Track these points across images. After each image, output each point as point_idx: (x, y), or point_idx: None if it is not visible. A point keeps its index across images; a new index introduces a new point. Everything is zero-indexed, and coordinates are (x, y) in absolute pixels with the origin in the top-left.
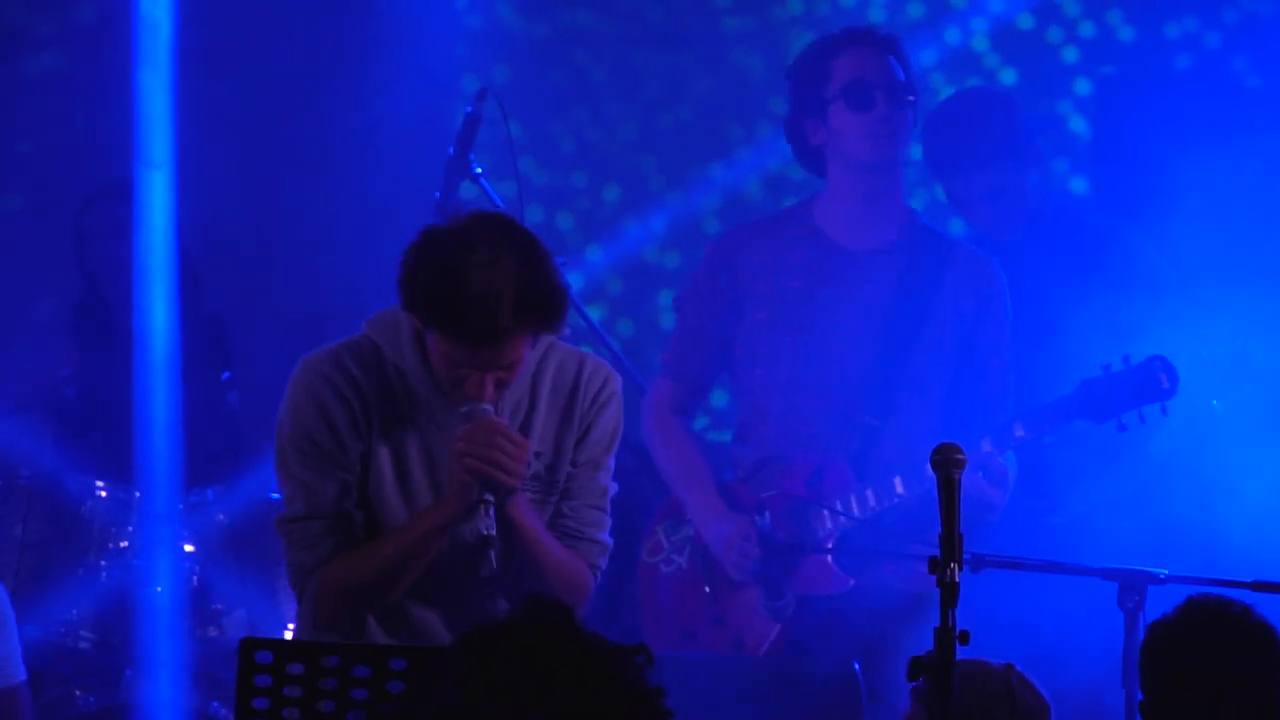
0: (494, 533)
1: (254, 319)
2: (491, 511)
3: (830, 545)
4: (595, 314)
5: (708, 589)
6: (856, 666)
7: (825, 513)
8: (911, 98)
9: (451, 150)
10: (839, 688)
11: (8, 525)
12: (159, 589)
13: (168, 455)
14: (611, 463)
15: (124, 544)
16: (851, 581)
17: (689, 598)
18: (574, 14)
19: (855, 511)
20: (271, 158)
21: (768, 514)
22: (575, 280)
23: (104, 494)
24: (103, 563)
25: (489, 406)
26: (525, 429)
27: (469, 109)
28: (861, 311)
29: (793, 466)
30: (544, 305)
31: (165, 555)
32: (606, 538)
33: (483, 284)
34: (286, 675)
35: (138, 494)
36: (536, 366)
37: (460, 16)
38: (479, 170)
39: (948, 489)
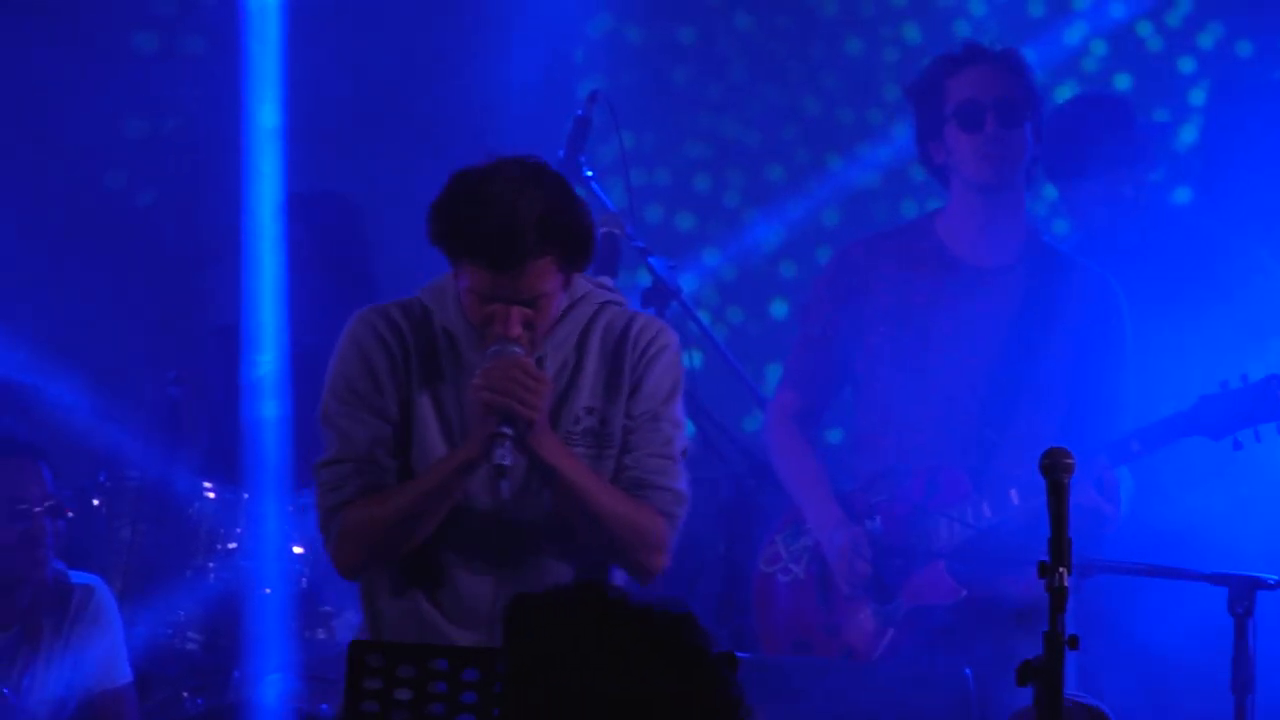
0: (507, 463)
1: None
2: (508, 445)
3: (944, 555)
4: (706, 317)
5: (822, 598)
6: (968, 672)
7: (941, 522)
8: (1028, 115)
9: (561, 153)
10: (951, 695)
11: (116, 527)
12: (267, 591)
13: (276, 457)
14: (676, 414)
15: (232, 546)
16: (964, 592)
17: (803, 606)
18: (701, 16)
19: (971, 521)
20: (378, 151)
21: (879, 518)
22: (689, 282)
23: (212, 495)
24: (211, 564)
25: (517, 348)
26: (572, 385)
27: (579, 111)
28: (983, 326)
29: (910, 476)
30: (566, 231)
31: (274, 557)
32: (678, 485)
33: (504, 206)
34: (396, 678)
35: (246, 496)
36: (585, 326)
37: (578, 18)
38: (589, 173)
39: (1057, 493)
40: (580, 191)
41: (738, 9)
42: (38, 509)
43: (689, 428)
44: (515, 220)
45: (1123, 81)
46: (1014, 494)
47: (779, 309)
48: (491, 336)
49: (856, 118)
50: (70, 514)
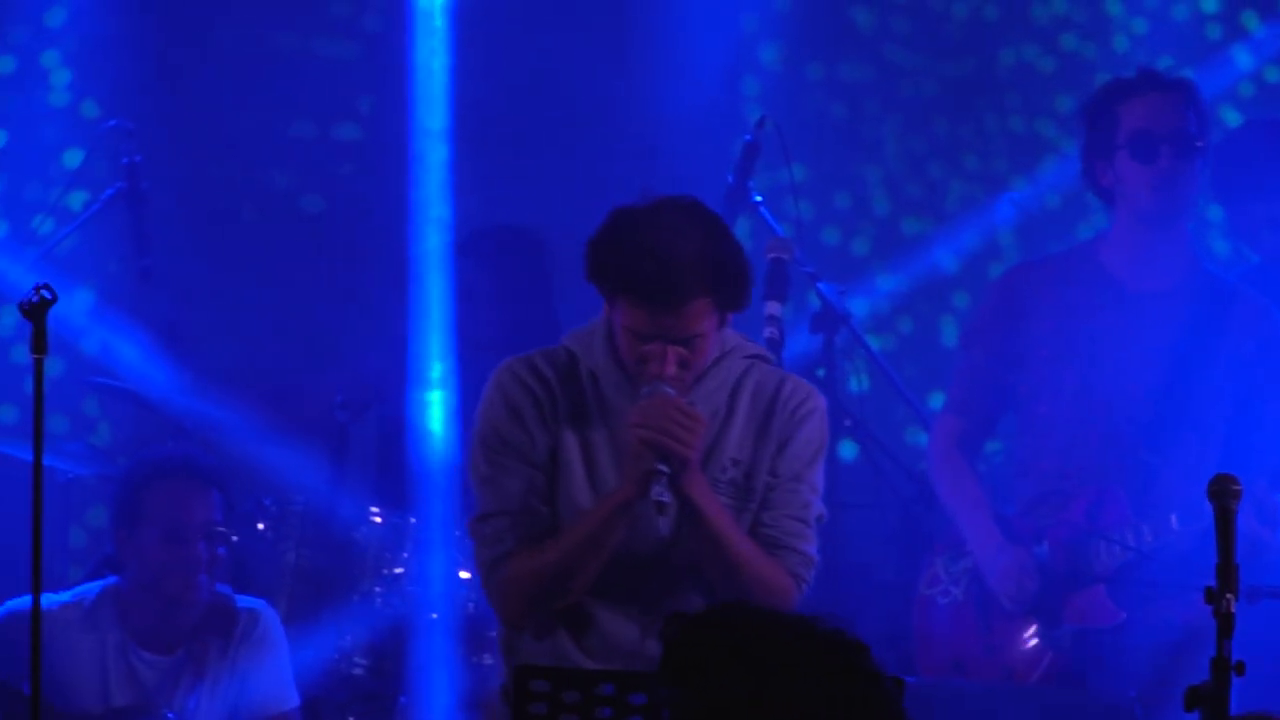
0: (666, 499)
1: (526, 335)
2: (665, 482)
3: (1106, 578)
4: (876, 342)
5: (981, 619)
6: (1133, 695)
7: (1101, 545)
8: (1201, 148)
9: (730, 178)
10: (1115, 718)
11: (281, 551)
12: (434, 616)
13: (444, 481)
14: (816, 479)
15: (398, 570)
16: (1124, 615)
17: (962, 628)
18: (868, 41)
19: (1131, 544)
20: (544, 167)
21: (1045, 544)
22: (860, 307)
23: (379, 520)
24: (377, 589)
25: (670, 389)
26: (721, 436)
27: (748, 137)
28: (1145, 351)
29: (1071, 500)
30: (724, 273)
31: (440, 582)
32: (809, 550)
33: (664, 246)
34: (562, 703)
35: (413, 520)
36: (737, 380)
37: (751, 45)
38: (758, 199)
39: (1224, 519)
40: (748, 217)
41: (897, 31)
42: (198, 534)
43: (851, 450)
44: (675, 261)
45: None
46: (1174, 519)
47: (949, 335)
48: (647, 376)
49: (1026, 128)
50: (235, 538)
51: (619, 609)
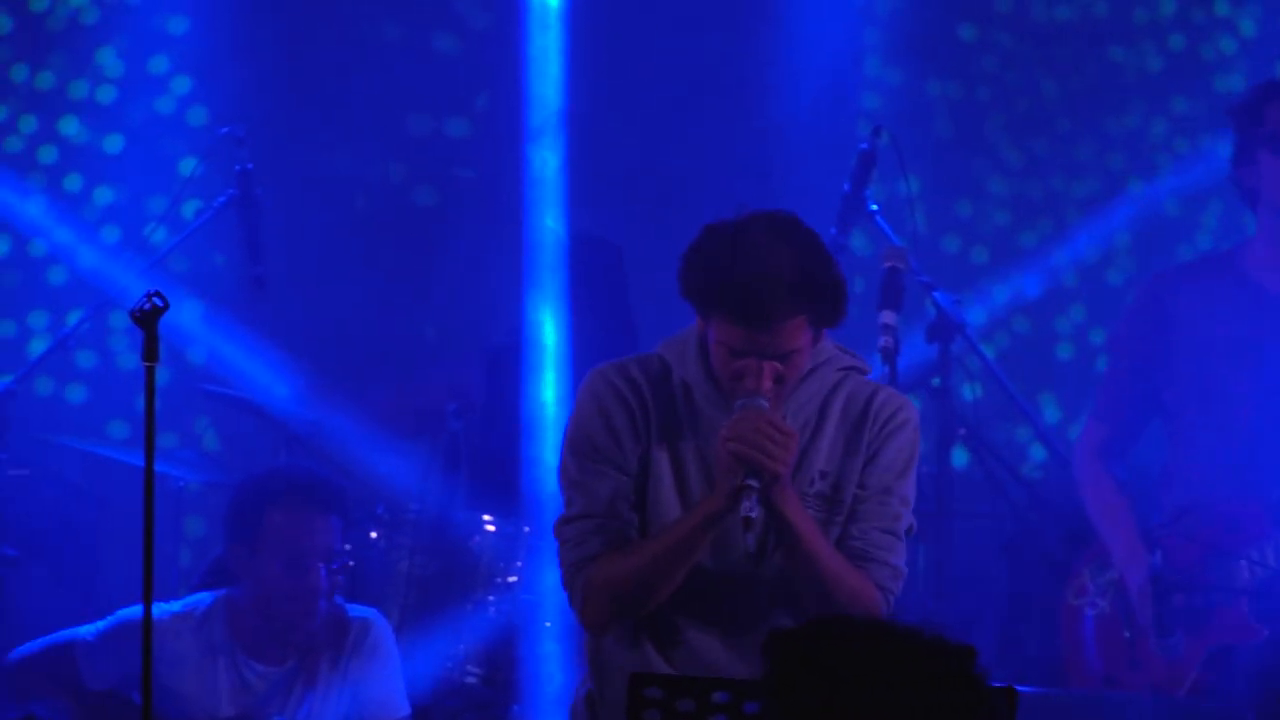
0: (754, 515)
1: (636, 340)
2: (754, 497)
3: (1247, 593)
4: (991, 351)
5: (1127, 633)
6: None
7: (1241, 561)
8: None
9: (846, 187)
10: None
11: (394, 560)
12: (548, 624)
13: (557, 489)
14: (906, 491)
15: (512, 579)
16: (1265, 631)
17: (1110, 641)
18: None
19: (1271, 562)
20: (657, 173)
21: (1158, 553)
22: (977, 316)
23: (492, 528)
24: (491, 597)
25: (764, 402)
26: (811, 448)
27: (863, 145)
28: None
29: (1212, 513)
30: (820, 289)
31: (554, 590)
32: (898, 562)
33: (759, 263)
34: (676, 711)
35: (526, 529)
36: (829, 392)
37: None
38: (874, 207)
39: None
40: (864, 226)
41: (1003, 40)
42: (318, 561)
43: (965, 459)
44: (770, 279)
45: None
46: None
47: (1064, 347)
48: (741, 390)
49: (1141, 124)
50: (351, 565)
51: (705, 625)
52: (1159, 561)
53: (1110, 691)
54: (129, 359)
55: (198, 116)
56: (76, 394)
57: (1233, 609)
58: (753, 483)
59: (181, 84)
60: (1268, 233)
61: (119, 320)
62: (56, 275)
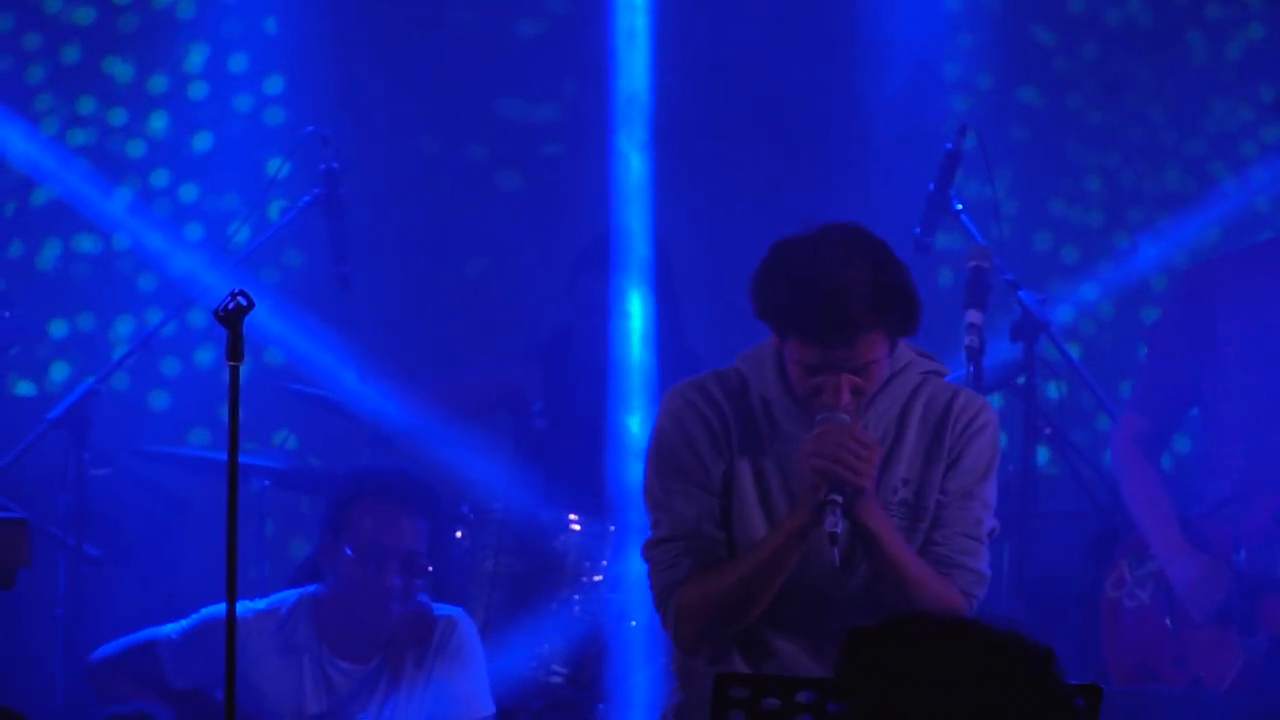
0: (839, 529)
1: (720, 344)
2: (839, 512)
3: None
4: (1076, 350)
5: (1169, 624)
6: None
7: None
8: None
9: (932, 186)
10: None
11: (480, 559)
12: (633, 624)
13: (642, 489)
14: (988, 494)
15: (597, 578)
16: None
17: (1150, 634)
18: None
19: None
20: (743, 172)
21: (1243, 550)
22: (1065, 314)
23: (577, 527)
24: (576, 597)
25: (844, 416)
26: (892, 456)
27: (949, 144)
28: None
29: (1258, 502)
30: (895, 303)
31: (639, 589)
32: (981, 567)
33: (834, 279)
34: (761, 711)
35: (612, 528)
36: (908, 398)
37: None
38: (959, 206)
39: None
40: (950, 225)
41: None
42: (395, 561)
43: (1049, 458)
44: (845, 297)
45: None
46: None
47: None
48: (820, 405)
49: (1229, 111)
50: (430, 569)
51: (794, 638)
52: (1244, 559)
53: (1200, 690)
54: (208, 359)
55: (284, 116)
56: (159, 398)
57: (1275, 602)
58: (836, 498)
59: (274, 84)
60: None
61: (201, 319)
62: (140, 274)
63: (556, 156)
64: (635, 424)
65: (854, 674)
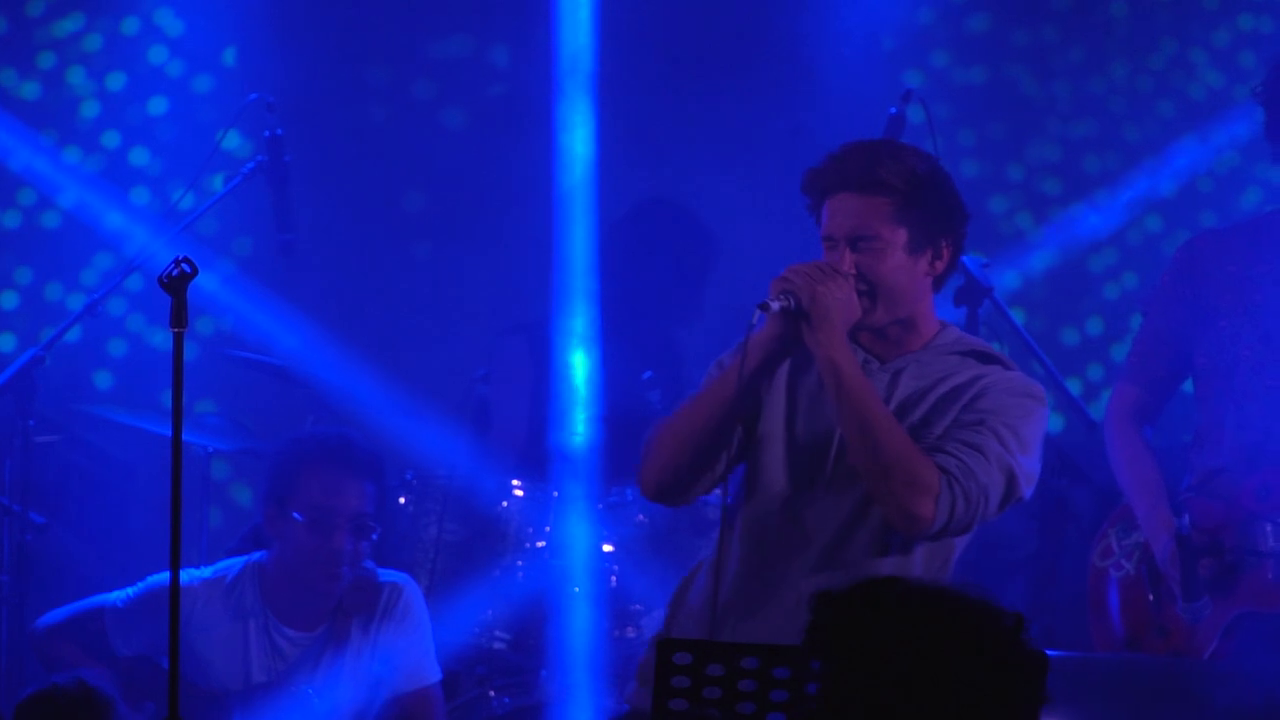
0: (773, 307)
1: (672, 318)
2: (780, 301)
3: (1273, 558)
4: (1021, 316)
5: (1152, 597)
6: None
7: (1268, 526)
8: None
9: None
10: None
11: (423, 525)
12: (576, 589)
13: (587, 455)
14: (1008, 437)
15: (541, 544)
16: None
17: (1135, 604)
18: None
19: None
20: (689, 121)
21: (1186, 516)
22: (1013, 281)
23: (521, 494)
24: (519, 563)
25: None
26: (917, 403)
27: (893, 109)
28: None
29: (1241, 480)
30: (907, 174)
31: (583, 556)
32: (975, 466)
33: (849, 146)
34: (705, 676)
35: (555, 493)
36: (944, 375)
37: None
38: None
39: None
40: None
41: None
42: (345, 524)
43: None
44: (861, 146)
45: None
46: None
47: (1095, 324)
48: None
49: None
50: (376, 535)
51: (788, 556)
52: (1186, 524)
53: (1135, 655)
54: (154, 325)
55: (239, 83)
56: (105, 365)
57: (1258, 574)
58: (784, 302)
59: (230, 53)
60: None
61: (140, 284)
62: (82, 237)
63: (502, 96)
64: (580, 401)
65: (823, 637)
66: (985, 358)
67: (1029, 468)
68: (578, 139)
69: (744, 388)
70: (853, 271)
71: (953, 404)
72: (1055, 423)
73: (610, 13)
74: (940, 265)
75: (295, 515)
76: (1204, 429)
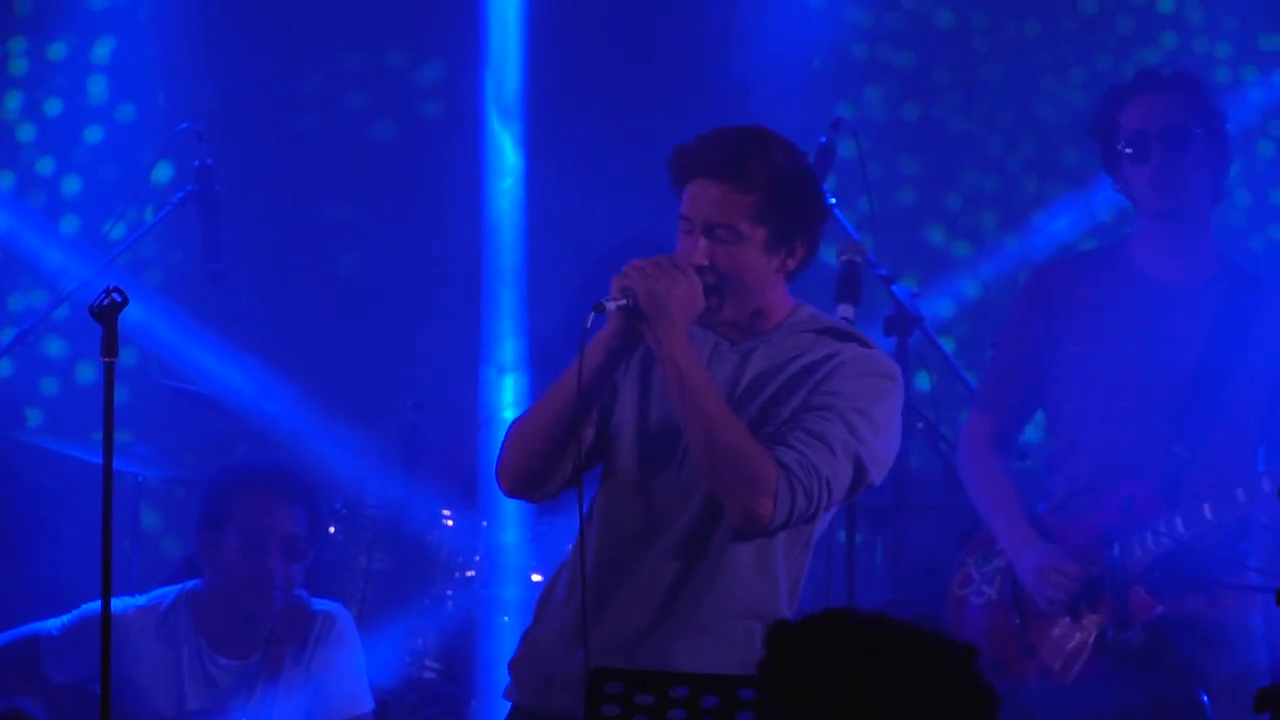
0: (610, 307)
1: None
2: (619, 303)
3: (1143, 572)
4: (950, 345)
5: (1018, 620)
6: (1204, 699)
7: (1134, 539)
8: (1197, 136)
9: None
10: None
11: (353, 555)
12: (506, 619)
13: None
14: (857, 422)
15: (471, 573)
16: (1159, 609)
17: (998, 627)
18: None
19: (1165, 534)
20: (620, 191)
21: (1116, 546)
22: (946, 309)
23: (451, 523)
24: (449, 592)
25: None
26: (766, 383)
27: (822, 139)
28: (1175, 346)
29: (1105, 496)
30: (766, 173)
31: (513, 585)
32: (816, 459)
33: (721, 131)
34: (635, 705)
35: (485, 523)
36: (796, 352)
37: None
38: (832, 201)
39: None
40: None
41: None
42: (277, 548)
43: (923, 452)
44: (722, 132)
45: None
46: (1207, 508)
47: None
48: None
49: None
50: (310, 559)
51: (644, 543)
52: (1117, 555)
53: (1047, 682)
54: (84, 355)
55: (172, 112)
56: (32, 393)
57: (1125, 588)
58: (621, 301)
59: (162, 81)
60: (1146, 230)
61: (71, 314)
62: (15, 269)
63: (436, 113)
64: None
65: (774, 669)
66: (841, 335)
67: (881, 452)
68: (507, 159)
69: (585, 387)
70: (705, 262)
71: (803, 383)
72: None
73: (540, 34)
74: (792, 264)
75: (228, 538)
76: (1060, 455)
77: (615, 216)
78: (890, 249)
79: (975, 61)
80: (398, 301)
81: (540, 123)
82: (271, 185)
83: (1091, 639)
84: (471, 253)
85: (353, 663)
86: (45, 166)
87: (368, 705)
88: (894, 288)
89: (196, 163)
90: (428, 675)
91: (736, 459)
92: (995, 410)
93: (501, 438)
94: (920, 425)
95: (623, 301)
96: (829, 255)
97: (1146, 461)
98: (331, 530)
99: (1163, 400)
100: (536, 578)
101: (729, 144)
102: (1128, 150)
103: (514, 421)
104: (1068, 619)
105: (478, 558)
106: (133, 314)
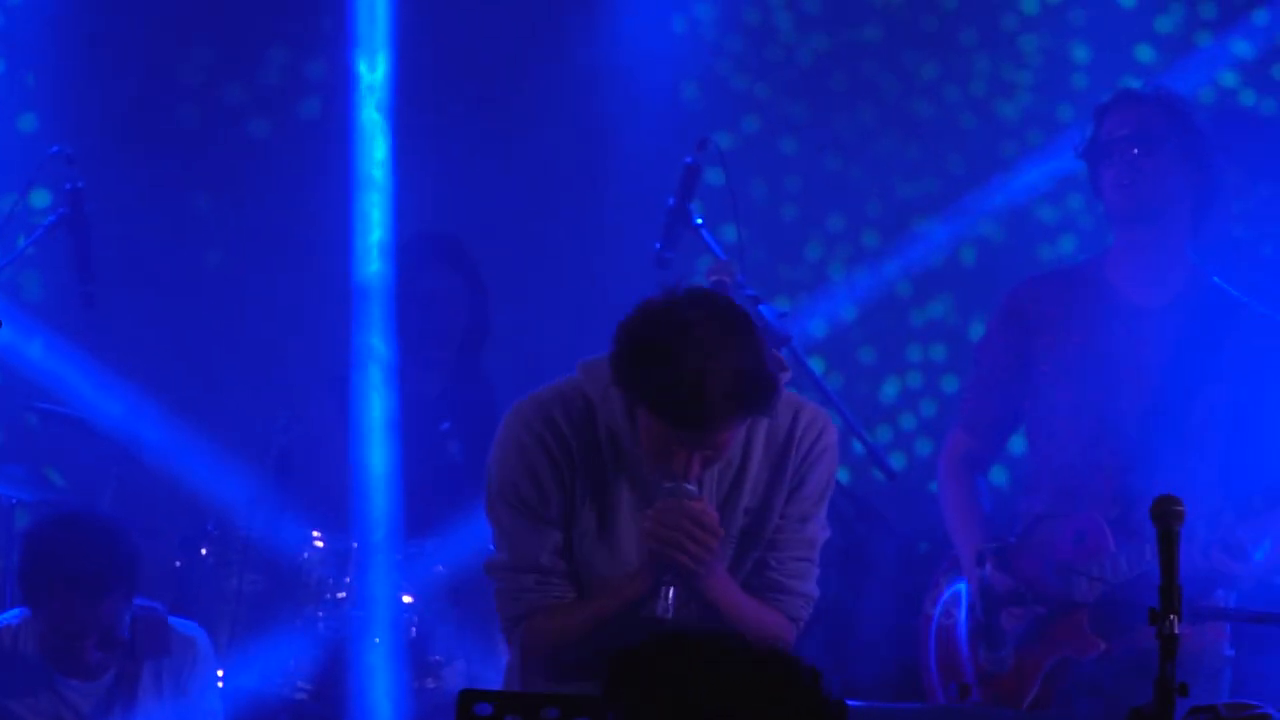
0: (670, 616)
1: (468, 348)
2: (671, 594)
3: (1086, 606)
4: (820, 365)
5: (965, 649)
6: None
7: (1082, 578)
8: (1169, 142)
9: (672, 201)
10: None
11: (223, 577)
12: (377, 640)
13: (386, 505)
14: (823, 516)
15: (341, 595)
16: (1103, 645)
17: (959, 652)
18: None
19: (1109, 576)
20: (490, 207)
21: (988, 565)
22: (820, 328)
23: (321, 545)
24: (320, 614)
25: (691, 487)
26: (736, 485)
27: (689, 159)
28: (1138, 367)
29: (1060, 524)
30: (755, 394)
31: (383, 606)
32: (811, 588)
33: (694, 371)
34: None
35: (355, 545)
36: (752, 423)
37: (686, 61)
38: (699, 221)
39: (1166, 542)
40: (690, 239)
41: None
42: (89, 641)
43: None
44: (707, 392)
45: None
46: (1148, 549)
47: (915, 350)
48: (668, 473)
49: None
50: (126, 632)
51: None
52: (988, 574)
53: (940, 705)
54: None
55: (45, 132)
56: None
57: (1074, 621)
58: (670, 581)
59: (42, 99)
60: (1119, 244)
61: None
62: None
63: (313, 111)
64: (378, 452)
65: (619, 690)
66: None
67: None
68: (374, 164)
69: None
70: (700, 474)
71: (778, 484)
72: (846, 474)
73: (407, 39)
74: None
75: (44, 624)
76: (1030, 474)
77: (486, 216)
78: (767, 269)
79: (844, 89)
80: (268, 312)
81: (406, 129)
82: (142, 193)
83: (1041, 672)
84: (341, 261)
85: (210, 684)
86: None
87: None
88: (761, 307)
89: (68, 186)
90: (299, 696)
91: (762, 631)
92: (973, 427)
93: (536, 635)
94: None
95: (671, 585)
96: (699, 274)
97: (1104, 488)
98: (203, 552)
99: (1119, 424)
100: (407, 599)
101: (694, 407)
102: (1102, 156)
103: (539, 641)
104: (1006, 649)
105: (348, 579)
106: (3, 336)
